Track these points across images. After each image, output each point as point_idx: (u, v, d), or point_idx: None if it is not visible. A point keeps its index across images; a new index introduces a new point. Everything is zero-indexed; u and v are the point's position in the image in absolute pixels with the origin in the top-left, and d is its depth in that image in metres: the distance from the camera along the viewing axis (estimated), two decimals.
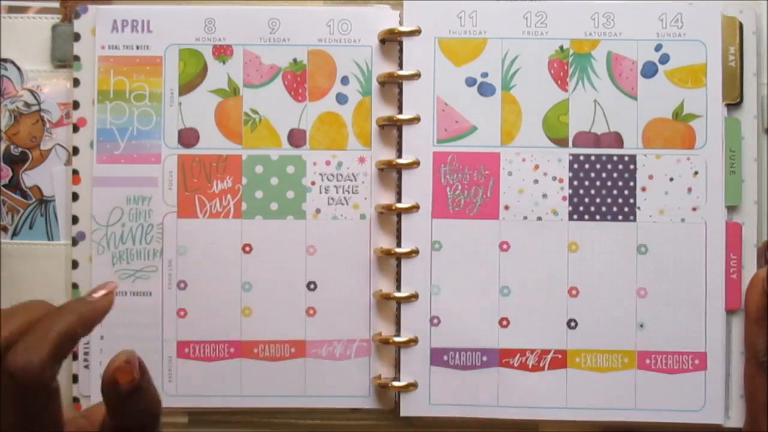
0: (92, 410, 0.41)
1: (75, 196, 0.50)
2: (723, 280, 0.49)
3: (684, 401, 0.49)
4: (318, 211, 0.50)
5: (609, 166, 0.50)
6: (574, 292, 0.50)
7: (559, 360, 0.49)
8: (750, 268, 0.50)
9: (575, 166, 0.50)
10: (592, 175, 0.50)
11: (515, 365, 0.49)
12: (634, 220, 0.50)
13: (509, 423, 0.50)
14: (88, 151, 0.50)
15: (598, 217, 0.50)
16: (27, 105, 0.51)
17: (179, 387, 0.50)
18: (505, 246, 0.50)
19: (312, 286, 0.50)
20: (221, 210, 0.50)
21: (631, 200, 0.50)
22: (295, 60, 0.51)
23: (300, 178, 0.50)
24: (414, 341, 0.49)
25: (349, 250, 0.50)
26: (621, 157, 0.50)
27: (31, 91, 0.51)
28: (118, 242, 0.50)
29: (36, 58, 0.51)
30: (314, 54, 0.51)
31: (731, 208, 0.50)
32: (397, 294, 0.49)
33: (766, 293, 0.48)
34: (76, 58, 0.51)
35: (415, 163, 0.50)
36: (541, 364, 0.49)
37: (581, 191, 0.50)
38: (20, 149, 0.51)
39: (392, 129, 0.51)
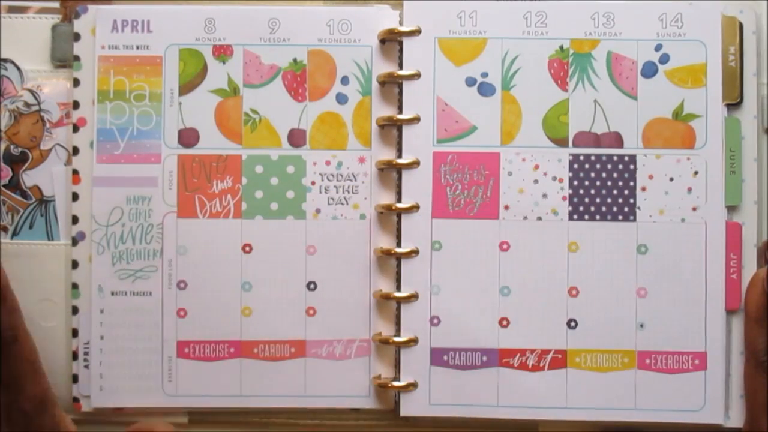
0: None
1: (75, 196, 0.50)
2: (723, 280, 0.49)
3: (684, 401, 0.49)
4: (318, 211, 0.50)
5: (609, 166, 0.50)
6: (574, 292, 0.50)
7: (559, 360, 0.49)
8: (750, 268, 0.50)
9: (575, 166, 0.50)
10: (592, 175, 0.50)
11: (515, 365, 0.49)
12: (634, 220, 0.50)
13: (509, 423, 0.50)
14: (88, 151, 0.50)
15: (598, 217, 0.50)
16: (27, 105, 0.51)
17: (179, 387, 0.50)
18: (505, 246, 0.50)
19: (312, 286, 0.50)
20: (221, 210, 0.50)
21: (631, 200, 0.50)
22: (295, 60, 0.51)
23: (300, 178, 0.50)
24: (414, 341, 0.49)
25: (349, 250, 0.50)
26: (621, 157, 0.50)
27: (31, 91, 0.51)
28: (118, 242, 0.50)
29: (36, 58, 0.51)
30: (314, 54, 0.51)
31: (731, 208, 0.50)
32: (397, 294, 0.49)
33: (766, 293, 0.48)
34: (76, 58, 0.51)
35: (415, 163, 0.50)
36: (541, 364, 0.49)
37: (581, 191, 0.50)
38: (20, 149, 0.51)
39: (392, 129, 0.51)
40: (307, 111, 0.51)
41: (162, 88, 0.50)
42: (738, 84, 0.50)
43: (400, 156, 0.50)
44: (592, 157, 0.50)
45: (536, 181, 0.50)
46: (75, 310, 0.50)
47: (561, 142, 0.50)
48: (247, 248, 0.50)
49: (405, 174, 0.50)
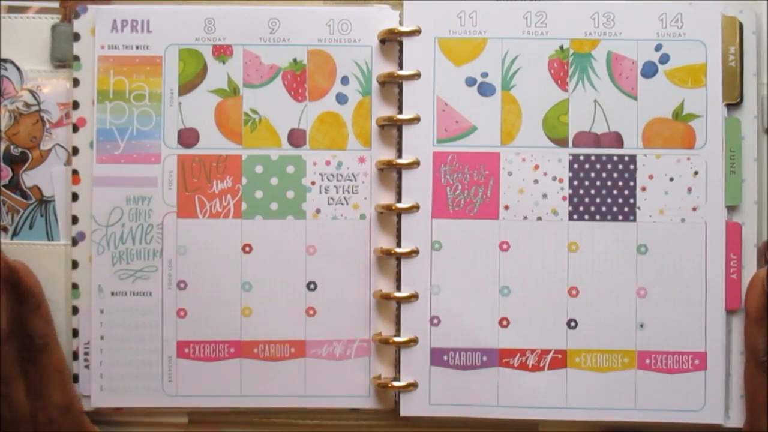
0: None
1: (75, 196, 0.50)
2: (723, 280, 0.49)
3: (684, 401, 0.49)
4: (318, 211, 0.50)
5: (609, 166, 0.50)
6: (574, 292, 0.50)
7: (559, 360, 0.49)
8: (750, 268, 0.50)
9: (575, 166, 0.50)
10: (592, 175, 0.50)
11: (515, 365, 0.49)
12: (634, 220, 0.50)
13: (509, 423, 0.50)
14: (88, 151, 0.50)
15: (598, 217, 0.50)
16: (27, 105, 0.51)
17: (179, 387, 0.50)
18: (505, 246, 0.50)
19: (312, 286, 0.50)
20: (221, 210, 0.50)
21: (631, 200, 0.50)
22: (295, 60, 0.51)
23: (300, 178, 0.50)
24: (414, 341, 0.49)
25: (349, 250, 0.50)
26: (621, 157, 0.50)
27: (31, 91, 0.51)
28: (118, 242, 0.50)
29: (36, 58, 0.51)
30: (314, 54, 0.51)
31: (731, 208, 0.50)
32: (397, 294, 0.49)
33: (766, 293, 0.48)
34: (76, 58, 0.51)
35: (415, 163, 0.50)
36: (541, 364, 0.49)
37: (581, 191, 0.50)
38: (20, 149, 0.51)
39: (392, 129, 0.51)
40: (307, 111, 0.51)
41: (162, 88, 0.50)
42: (738, 84, 0.50)
43: (400, 156, 0.50)
44: (592, 157, 0.50)
45: (536, 181, 0.50)
46: (75, 310, 0.50)
47: (561, 142, 0.50)
48: (247, 248, 0.50)
49: (405, 174, 0.50)
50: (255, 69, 0.50)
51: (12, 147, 0.51)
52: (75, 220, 0.50)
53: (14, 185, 0.51)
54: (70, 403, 0.48)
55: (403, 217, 0.50)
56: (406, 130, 0.50)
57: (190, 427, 0.51)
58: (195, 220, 0.50)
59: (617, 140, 0.50)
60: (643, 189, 0.50)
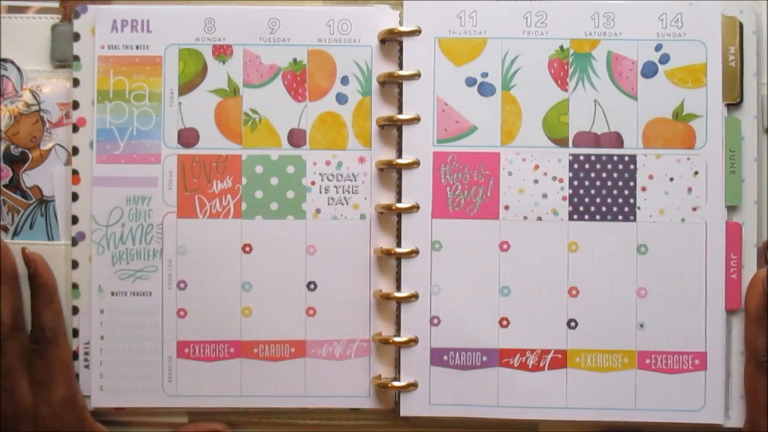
0: None
1: (75, 196, 0.50)
2: (723, 280, 0.49)
3: (684, 401, 0.49)
4: (318, 211, 0.50)
5: (609, 166, 0.50)
6: (574, 292, 0.50)
7: (559, 360, 0.49)
8: (750, 268, 0.50)
9: (575, 166, 0.50)
10: (592, 175, 0.50)
11: (515, 365, 0.49)
12: (634, 220, 0.50)
13: (509, 423, 0.50)
14: (88, 151, 0.50)
15: (598, 217, 0.50)
16: (27, 105, 0.51)
17: (179, 387, 0.50)
18: (505, 246, 0.50)
19: (312, 286, 0.50)
20: (221, 210, 0.50)
21: (631, 200, 0.50)
22: (295, 60, 0.51)
23: (300, 178, 0.50)
24: (414, 341, 0.49)
25: (349, 250, 0.50)
26: (621, 157, 0.50)
27: (31, 91, 0.51)
28: (118, 242, 0.50)
29: (36, 58, 0.51)
30: (314, 54, 0.51)
31: (731, 208, 0.50)
32: (397, 294, 0.49)
33: (766, 293, 0.48)
34: (76, 58, 0.51)
35: (415, 163, 0.50)
36: (541, 364, 0.49)
37: (581, 191, 0.50)
38: (20, 149, 0.51)
39: (392, 129, 0.51)
40: (307, 111, 0.51)
41: (162, 88, 0.50)
42: (738, 84, 0.50)
43: (400, 156, 0.50)
44: (592, 157, 0.50)
45: (536, 181, 0.50)
46: (75, 310, 0.50)
47: (561, 142, 0.50)
48: (247, 248, 0.50)
49: (405, 174, 0.50)
50: (255, 69, 0.50)
51: (12, 147, 0.51)
52: (75, 220, 0.50)
53: (14, 185, 0.51)
54: (74, 398, 0.48)
55: (403, 217, 0.50)
56: (406, 130, 0.50)
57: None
58: (195, 220, 0.50)
59: (617, 140, 0.50)
60: (643, 189, 0.50)
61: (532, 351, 0.50)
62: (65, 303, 0.50)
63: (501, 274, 0.50)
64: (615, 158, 0.50)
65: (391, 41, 0.50)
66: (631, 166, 0.50)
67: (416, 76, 0.50)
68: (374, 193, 0.51)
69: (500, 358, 0.50)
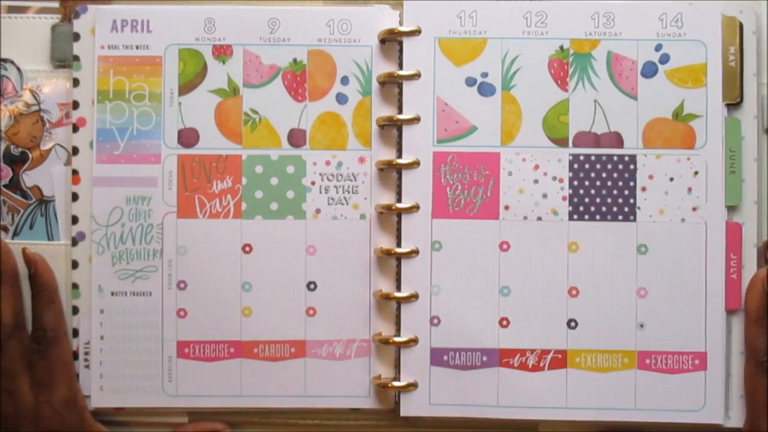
0: None
1: (75, 196, 0.50)
2: (723, 280, 0.49)
3: (684, 401, 0.49)
4: (318, 211, 0.50)
5: (609, 166, 0.50)
6: (574, 292, 0.50)
7: (559, 360, 0.49)
8: (750, 268, 0.50)
9: (575, 166, 0.50)
10: (592, 175, 0.50)
11: (515, 365, 0.49)
12: (634, 220, 0.50)
13: (509, 423, 0.50)
14: (88, 151, 0.50)
15: (598, 217, 0.50)
16: (27, 105, 0.51)
17: (179, 387, 0.50)
18: (505, 246, 0.50)
19: (312, 286, 0.50)
20: (221, 210, 0.50)
21: (631, 200, 0.50)
22: (295, 60, 0.51)
23: (300, 178, 0.50)
24: (414, 341, 0.49)
25: (349, 250, 0.50)
26: (621, 157, 0.50)
27: (31, 91, 0.51)
28: (118, 242, 0.50)
29: (36, 58, 0.51)
30: (314, 54, 0.51)
31: (731, 208, 0.50)
32: (397, 294, 0.49)
33: (766, 293, 0.48)
34: (76, 58, 0.51)
35: (415, 163, 0.50)
36: (541, 364, 0.49)
37: (581, 191, 0.50)
38: (20, 149, 0.51)
39: (392, 129, 0.51)
40: (307, 111, 0.51)
41: (162, 88, 0.50)
42: (738, 84, 0.50)
43: (400, 156, 0.50)
44: (592, 157, 0.50)
45: (536, 181, 0.50)
46: (75, 310, 0.50)
47: (561, 142, 0.50)
48: (247, 248, 0.50)
49: (405, 174, 0.50)
50: (255, 69, 0.50)
51: (12, 147, 0.51)
52: (75, 220, 0.50)
53: (14, 185, 0.51)
54: (74, 398, 0.49)
55: (403, 217, 0.50)
56: (406, 130, 0.50)
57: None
58: (195, 220, 0.50)
59: (617, 140, 0.50)
60: (643, 189, 0.50)
61: (532, 351, 0.50)
62: (65, 303, 0.50)
63: (501, 274, 0.50)
64: (615, 158, 0.50)
65: (391, 41, 0.50)
66: (631, 166, 0.50)
67: (416, 76, 0.50)
68: (374, 193, 0.51)
69: (500, 358, 0.50)
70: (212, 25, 0.50)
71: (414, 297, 0.49)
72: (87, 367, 0.50)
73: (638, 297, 0.49)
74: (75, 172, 0.50)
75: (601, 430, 0.50)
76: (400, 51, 0.50)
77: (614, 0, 0.50)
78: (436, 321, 0.50)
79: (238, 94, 0.50)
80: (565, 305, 0.50)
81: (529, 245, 0.50)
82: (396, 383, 0.49)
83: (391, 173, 0.51)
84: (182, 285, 0.50)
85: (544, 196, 0.50)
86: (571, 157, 0.50)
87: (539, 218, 0.50)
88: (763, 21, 0.50)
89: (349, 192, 0.50)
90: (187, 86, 0.50)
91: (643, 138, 0.50)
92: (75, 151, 0.50)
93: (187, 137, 0.50)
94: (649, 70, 0.50)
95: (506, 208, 0.50)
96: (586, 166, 0.50)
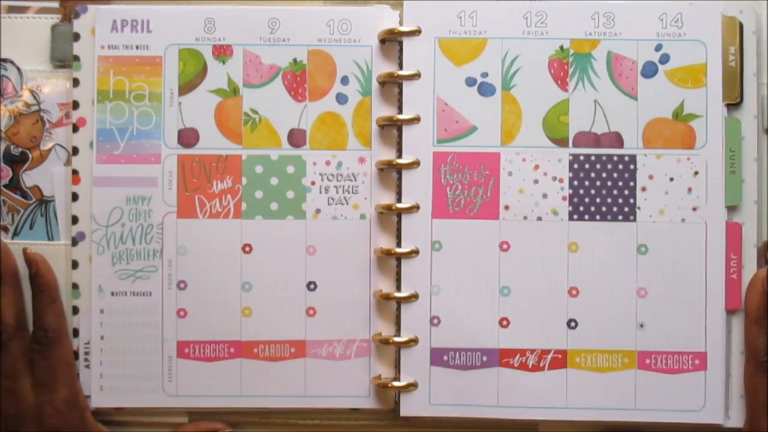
0: None
1: (75, 196, 0.50)
2: (723, 280, 0.49)
3: (684, 401, 0.49)
4: (318, 211, 0.50)
5: (609, 166, 0.50)
6: (574, 292, 0.50)
7: (559, 360, 0.49)
8: (750, 268, 0.50)
9: (575, 166, 0.50)
10: (592, 175, 0.50)
11: (515, 365, 0.49)
12: (634, 220, 0.50)
13: (509, 423, 0.50)
14: (88, 151, 0.50)
15: (598, 217, 0.50)
16: (27, 105, 0.51)
17: (179, 387, 0.50)
18: (505, 246, 0.50)
19: (312, 286, 0.50)
20: (221, 210, 0.50)
21: (631, 200, 0.50)
22: (295, 60, 0.51)
23: (300, 178, 0.50)
24: (414, 341, 0.49)
25: (349, 250, 0.50)
26: (621, 157, 0.50)
27: (31, 91, 0.51)
28: (118, 242, 0.50)
29: (36, 58, 0.51)
30: (314, 54, 0.51)
31: (731, 208, 0.50)
32: (397, 294, 0.49)
33: (766, 293, 0.48)
34: (76, 58, 0.51)
35: (415, 163, 0.50)
36: (541, 364, 0.49)
37: (581, 191, 0.50)
38: (20, 149, 0.51)
39: (392, 129, 0.51)
40: (307, 111, 0.51)
41: (162, 88, 0.50)
42: (738, 84, 0.50)
43: (400, 156, 0.50)
44: (592, 157, 0.50)
45: (536, 181, 0.50)
46: (75, 310, 0.50)
47: (561, 142, 0.50)
48: (247, 248, 0.50)
49: (405, 174, 0.50)
50: (255, 69, 0.50)
51: (12, 147, 0.51)
52: (75, 220, 0.50)
53: (14, 185, 0.51)
54: (76, 398, 0.49)
55: (403, 217, 0.50)
56: (406, 130, 0.50)
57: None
58: (195, 220, 0.50)
59: (617, 140, 0.50)
60: (643, 189, 0.50)
61: (532, 351, 0.50)
62: (65, 303, 0.50)
63: (501, 274, 0.50)
64: (615, 158, 0.50)
65: (391, 41, 0.50)
66: (631, 166, 0.50)
67: (416, 76, 0.50)
68: (374, 193, 0.51)
69: (500, 358, 0.50)
70: (212, 25, 0.50)
71: (414, 297, 0.49)
72: (87, 367, 0.50)
73: (638, 297, 0.49)
74: (75, 172, 0.50)
75: (601, 430, 0.50)
76: (400, 51, 0.50)
77: (614, 0, 0.50)
78: (436, 321, 0.50)
79: (238, 94, 0.50)
80: (565, 305, 0.50)
81: (529, 245, 0.50)
82: (396, 383, 0.49)
83: (391, 173, 0.51)
84: (182, 285, 0.50)
85: (544, 196, 0.50)
86: (571, 157, 0.50)
87: (539, 218, 0.50)
88: (763, 21, 0.51)
89: (349, 192, 0.50)
90: (187, 86, 0.50)
91: (643, 138, 0.50)
92: (75, 151, 0.50)
93: (187, 137, 0.50)
94: (649, 70, 0.50)
95: (506, 208, 0.50)
96: (586, 166, 0.50)
